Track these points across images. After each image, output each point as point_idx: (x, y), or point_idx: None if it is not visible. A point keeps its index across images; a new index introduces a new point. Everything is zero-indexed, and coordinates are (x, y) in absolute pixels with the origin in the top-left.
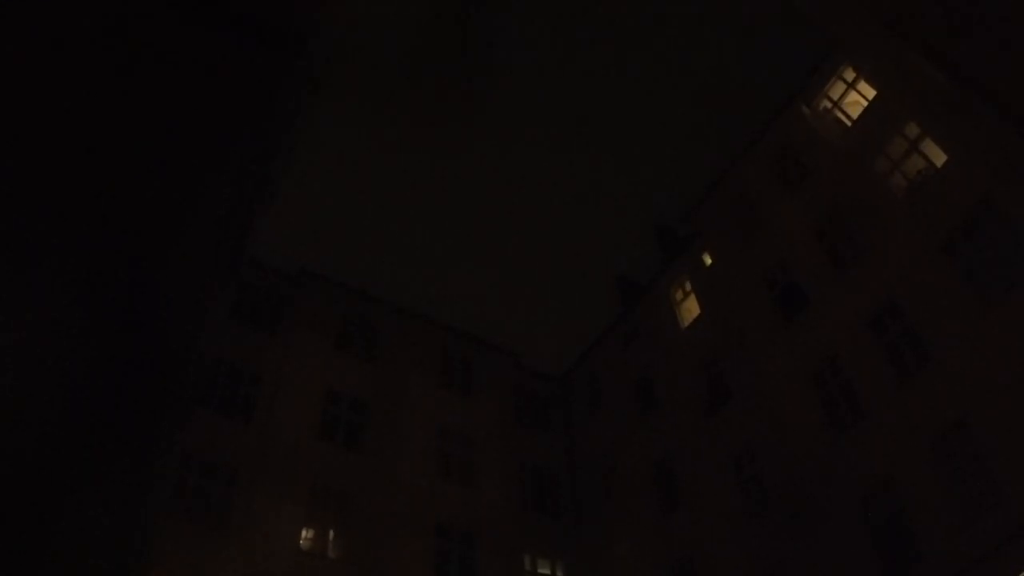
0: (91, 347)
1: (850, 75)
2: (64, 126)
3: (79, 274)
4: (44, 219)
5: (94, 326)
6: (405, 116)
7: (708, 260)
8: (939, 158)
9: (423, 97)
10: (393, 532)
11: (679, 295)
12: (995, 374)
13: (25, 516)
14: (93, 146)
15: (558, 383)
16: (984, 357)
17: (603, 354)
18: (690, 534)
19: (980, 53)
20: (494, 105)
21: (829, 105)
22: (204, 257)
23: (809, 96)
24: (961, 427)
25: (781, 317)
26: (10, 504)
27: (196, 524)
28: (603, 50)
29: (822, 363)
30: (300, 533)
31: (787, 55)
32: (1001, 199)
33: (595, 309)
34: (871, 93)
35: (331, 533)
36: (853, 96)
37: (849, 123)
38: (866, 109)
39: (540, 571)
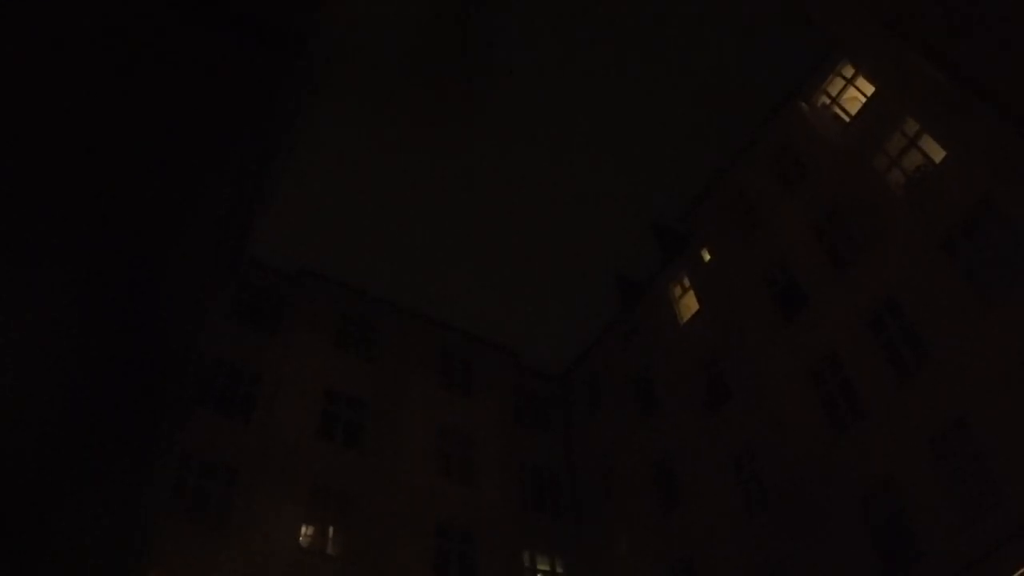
0: (91, 347)
1: (849, 71)
2: (64, 126)
3: (79, 274)
4: (44, 219)
5: (94, 326)
6: (405, 116)
7: (707, 257)
8: (938, 154)
9: (423, 97)
10: (393, 531)
11: (678, 292)
12: (995, 373)
13: (24, 516)
14: (93, 146)
15: (558, 382)
16: (984, 356)
17: (603, 353)
18: (690, 533)
19: (980, 53)
20: (494, 105)
21: (827, 102)
22: (204, 257)
23: (807, 93)
24: (961, 426)
25: (780, 315)
26: (9, 504)
27: (196, 523)
28: (602, 49)
29: (822, 362)
30: (300, 532)
31: (785, 52)
32: (1000, 196)
33: (595, 308)
34: (870, 89)
35: (331, 532)
36: (852, 92)
37: (848, 119)
38: (864, 105)
39: (540, 569)
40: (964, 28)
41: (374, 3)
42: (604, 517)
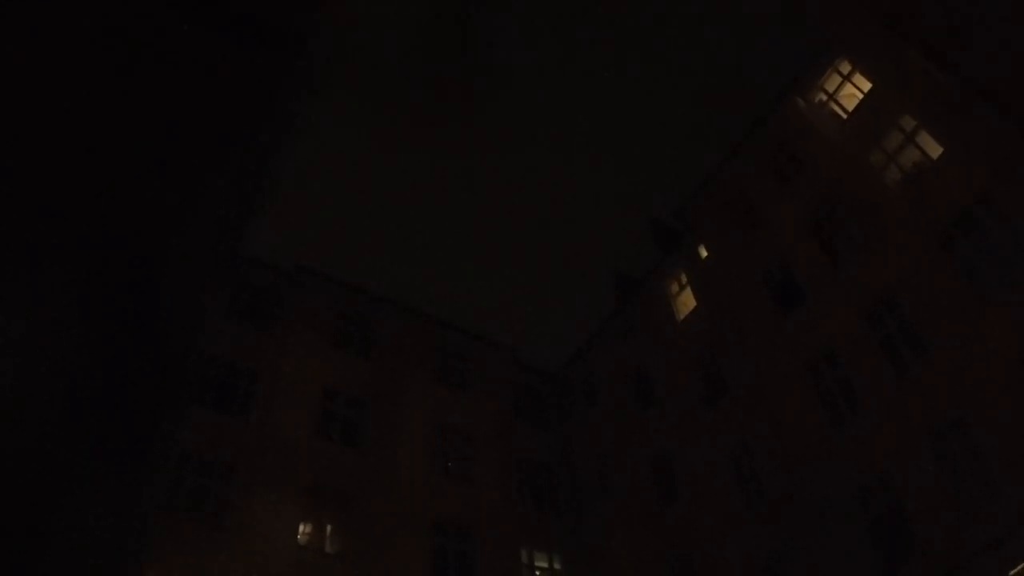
0: (90, 347)
1: (846, 68)
2: (64, 126)
3: (79, 274)
4: (44, 219)
5: (94, 326)
6: (404, 115)
7: (704, 254)
8: (935, 151)
9: (422, 97)
10: (391, 529)
11: (675, 289)
12: (993, 370)
13: (23, 515)
14: (93, 146)
15: (556, 379)
16: (982, 353)
17: (600, 350)
18: (687, 529)
19: (980, 53)
20: (492, 104)
21: (824, 98)
22: (203, 256)
23: (804, 89)
24: (959, 423)
25: (777, 312)
26: (8, 503)
27: (194, 522)
28: (599, 48)
29: (819, 358)
30: (298, 530)
31: (782, 49)
32: (999, 193)
33: (592, 305)
34: (867, 86)
35: (329, 530)
36: (848, 89)
37: (845, 116)
38: (861, 102)
39: (538, 566)
40: (964, 28)
41: (374, 3)
42: (602, 514)
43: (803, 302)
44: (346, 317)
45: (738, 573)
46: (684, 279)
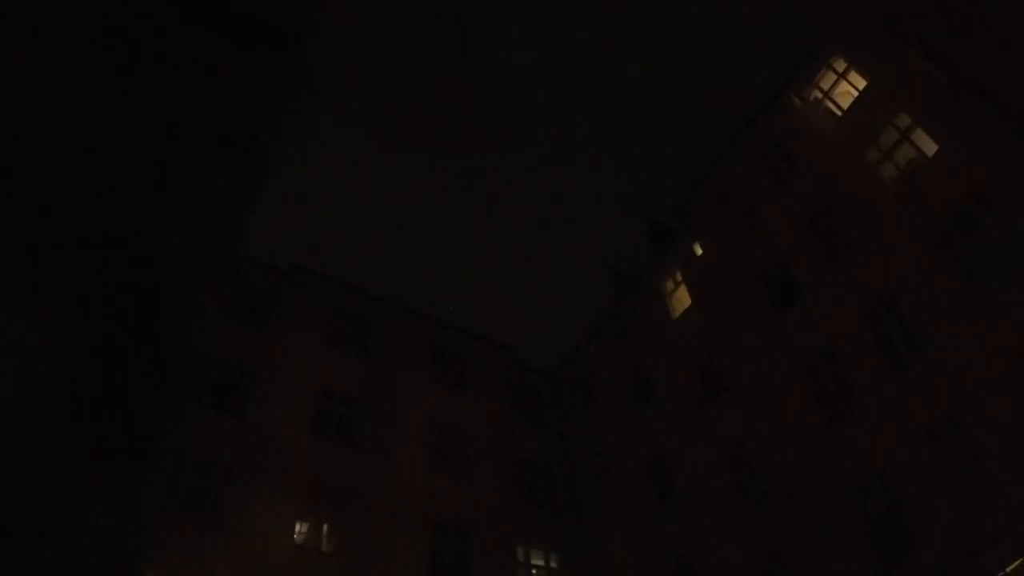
0: (90, 347)
1: (840, 65)
2: (64, 126)
3: (78, 274)
4: (44, 219)
5: (93, 326)
6: (402, 115)
7: (699, 251)
8: (930, 148)
9: (421, 96)
10: (388, 528)
11: (670, 286)
12: (990, 367)
13: (23, 515)
14: (92, 146)
15: (553, 377)
16: (979, 350)
17: (597, 348)
18: (685, 528)
19: (980, 53)
20: (490, 104)
21: (819, 95)
22: (202, 256)
23: (799, 87)
24: (957, 421)
25: (773, 309)
26: (8, 503)
27: (191, 520)
28: (596, 47)
29: (816, 356)
30: (295, 530)
31: (777, 47)
32: (994, 190)
33: (589, 303)
34: (861, 83)
35: (326, 529)
36: (843, 87)
37: (839, 114)
38: (856, 99)
39: (535, 564)
40: (964, 28)
41: (374, 3)
42: (599, 512)
43: (800, 300)
44: (344, 316)
45: (736, 572)
46: (679, 277)
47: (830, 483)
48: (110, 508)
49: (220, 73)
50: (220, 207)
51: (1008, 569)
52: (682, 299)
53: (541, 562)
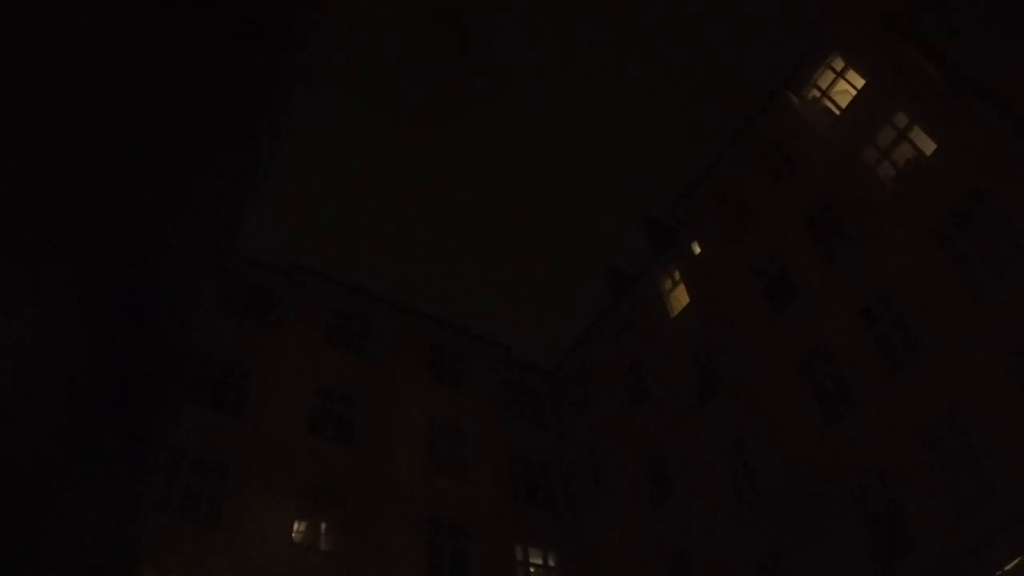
0: (90, 346)
1: (839, 64)
2: (63, 126)
3: (78, 274)
4: (44, 219)
5: (92, 325)
6: (400, 113)
7: (697, 250)
8: (928, 147)
9: (418, 94)
10: (386, 526)
11: (668, 285)
12: (987, 365)
13: (21, 514)
14: (90, 146)
15: (549, 375)
16: (976, 348)
17: (594, 346)
18: (682, 525)
19: (980, 53)
20: (489, 103)
21: (818, 94)
22: (200, 255)
23: (797, 86)
24: (953, 418)
25: (771, 308)
26: (7, 502)
27: (188, 519)
28: (595, 47)
29: (813, 354)
30: (292, 528)
31: (775, 45)
32: (992, 189)
33: (586, 302)
34: (860, 82)
35: (323, 528)
36: (842, 85)
37: (838, 112)
38: (855, 98)
39: (532, 562)
40: (964, 29)
41: (374, 3)
42: (596, 510)
43: (798, 300)
44: (342, 316)
45: (734, 571)
46: (677, 276)
47: (828, 482)
48: (108, 507)
49: (218, 72)
50: (219, 206)
51: (1006, 568)
52: (680, 298)
53: (539, 560)
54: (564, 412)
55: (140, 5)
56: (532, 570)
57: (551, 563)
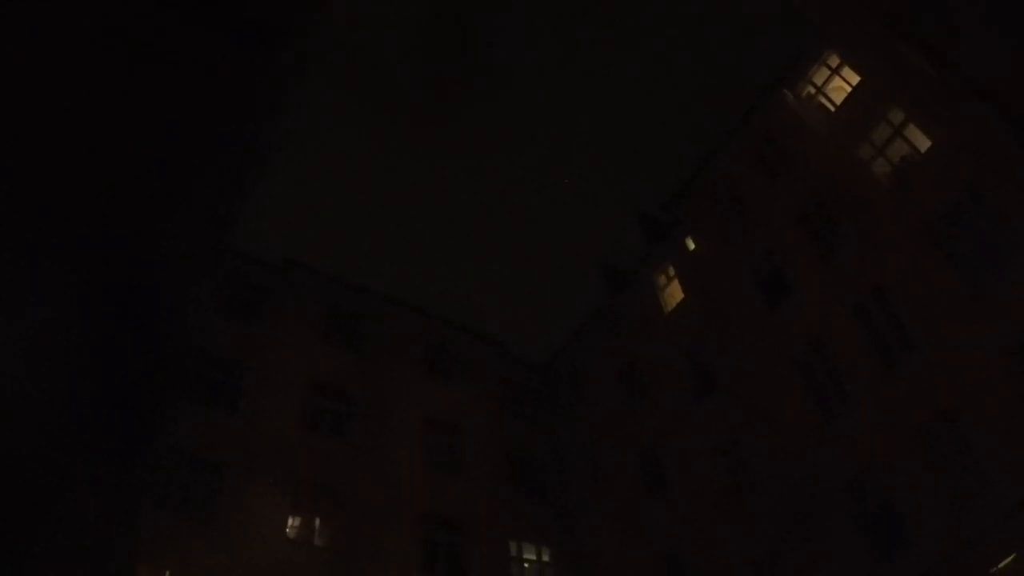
0: (87, 345)
1: (834, 61)
2: (61, 125)
3: (77, 273)
4: (43, 218)
5: (90, 323)
6: (398, 111)
7: (692, 246)
8: (923, 144)
9: (414, 90)
10: (380, 522)
11: (663, 281)
12: (981, 361)
13: (20, 512)
14: (88, 145)
15: (544, 371)
16: (970, 344)
17: (588, 342)
18: (677, 520)
19: (980, 53)
20: (487, 101)
21: (813, 91)
22: (196, 252)
23: (792, 82)
24: (947, 414)
25: (766, 304)
26: (4, 500)
27: (183, 515)
28: (592, 44)
29: (808, 350)
30: (287, 524)
31: (770, 42)
32: (987, 186)
33: (580, 298)
34: (855, 79)
35: (318, 524)
36: (837, 82)
37: (833, 109)
38: (849, 95)
39: (527, 558)
40: (964, 28)
41: (374, 3)
42: (591, 506)
43: (792, 296)
44: (337, 312)
45: (728, 566)
46: (672, 271)
47: (823, 479)
48: (105, 505)
49: (215, 71)
50: (215, 204)
51: (1000, 565)
52: (675, 294)
53: (533, 556)
54: (559, 408)
55: (139, 5)
56: (527, 566)
57: (546, 559)
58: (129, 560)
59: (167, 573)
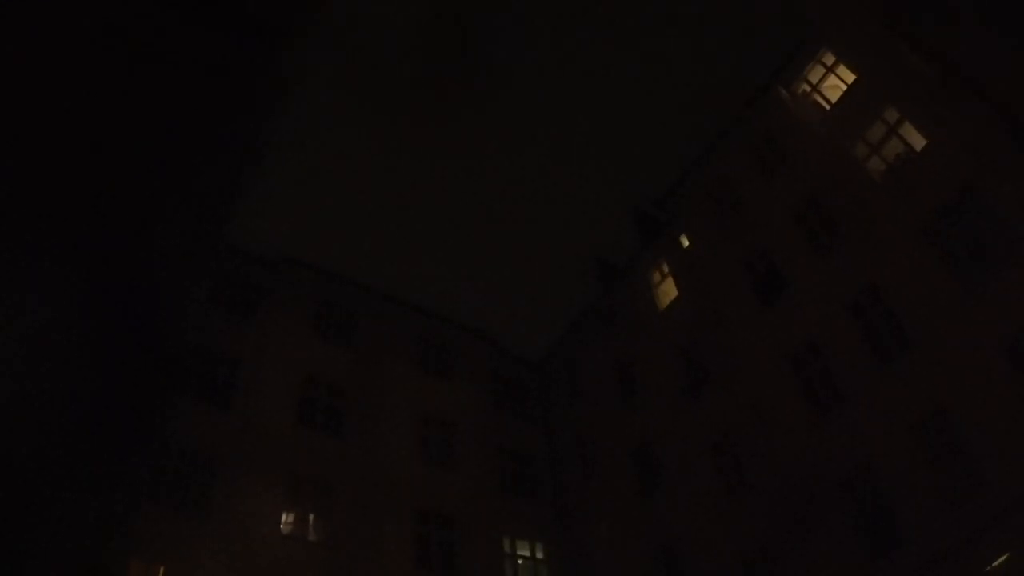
0: (82, 341)
1: (829, 59)
2: (58, 124)
3: (75, 272)
4: (42, 217)
5: (87, 321)
6: (396, 109)
7: (686, 243)
8: (918, 142)
9: (409, 88)
10: (374, 517)
11: (657, 278)
12: (975, 360)
13: (12, 506)
14: (85, 143)
15: (537, 368)
16: (964, 344)
17: (582, 337)
18: (670, 518)
19: (979, 54)
20: (487, 101)
21: (808, 89)
22: (191, 249)
23: (788, 80)
24: (941, 413)
25: (760, 301)
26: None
27: (177, 510)
28: (591, 43)
29: (801, 348)
30: (281, 519)
31: (766, 39)
32: (982, 185)
33: (574, 294)
34: (850, 77)
35: (311, 519)
36: (832, 80)
37: (828, 107)
38: (845, 93)
39: (520, 555)
40: (964, 29)
41: (374, 3)
42: (584, 503)
43: (786, 293)
44: (329, 306)
45: (722, 563)
46: (666, 269)
47: (816, 477)
48: (98, 500)
49: (211, 70)
50: (211, 201)
51: (995, 564)
52: (669, 291)
53: (527, 553)
54: (552, 404)
55: (139, 4)
56: (520, 562)
57: (539, 555)
58: (123, 555)
59: (161, 568)
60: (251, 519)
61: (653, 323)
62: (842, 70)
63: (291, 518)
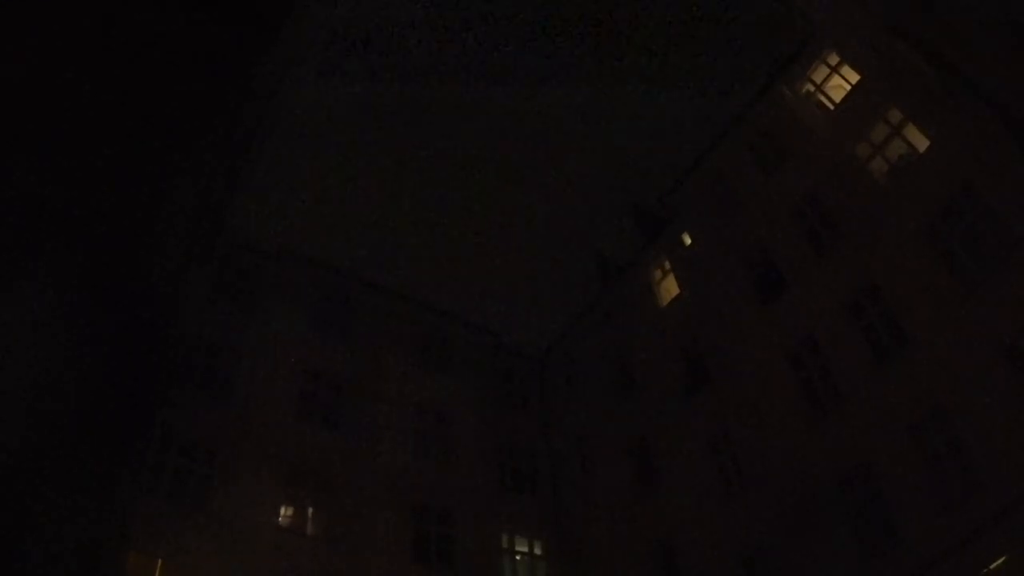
0: (78, 336)
1: (833, 59)
2: (55, 122)
3: (73, 268)
4: (39, 212)
5: (83, 316)
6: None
7: (687, 241)
8: (921, 143)
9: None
10: (372, 512)
11: (658, 275)
12: (974, 360)
13: (6, 502)
14: (88, 136)
15: (536, 363)
16: (963, 343)
17: (581, 334)
18: (668, 515)
19: (980, 56)
20: (482, 89)
21: (812, 88)
22: (189, 242)
23: (791, 79)
24: (940, 413)
25: (760, 299)
26: None
27: (175, 503)
28: (587, 36)
29: (801, 347)
30: (279, 513)
31: (769, 39)
32: (983, 186)
33: (574, 290)
34: (854, 77)
35: (310, 512)
36: (836, 80)
37: (831, 107)
38: (848, 93)
39: (518, 550)
40: (964, 33)
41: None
42: (583, 499)
43: (786, 291)
44: (328, 300)
45: (719, 560)
46: (667, 266)
47: (814, 475)
48: (95, 494)
49: (209, 59)
50: (209, 193)
51: (992, 566)
52: (669, 288)
53: (525, 548)
54: (552, 400)
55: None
56: (518, 558)
57: (537, 551)
58: (120, 549)
59: (159, 561)
60: (249, 512)
61: (653, 320)
62: (846, 70)
63: (289, 512)
